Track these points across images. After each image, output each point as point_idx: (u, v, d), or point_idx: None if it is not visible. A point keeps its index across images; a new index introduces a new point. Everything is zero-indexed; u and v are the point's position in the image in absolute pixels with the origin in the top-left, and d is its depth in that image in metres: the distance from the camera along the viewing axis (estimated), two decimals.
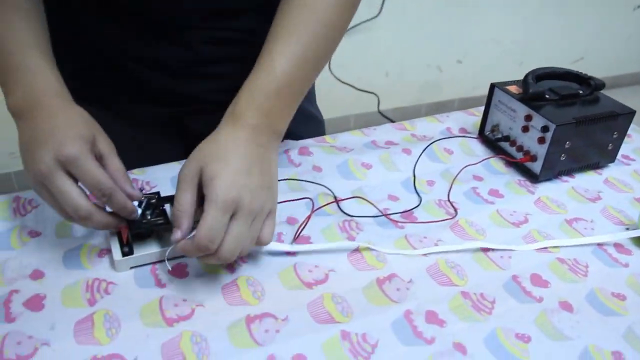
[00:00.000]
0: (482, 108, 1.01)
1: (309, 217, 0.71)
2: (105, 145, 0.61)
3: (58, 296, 0.60)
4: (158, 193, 0.67)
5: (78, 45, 0.79)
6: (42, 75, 0.63)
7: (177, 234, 0.57)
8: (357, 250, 0.69)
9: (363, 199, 0.78)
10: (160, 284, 0.62)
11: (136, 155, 0.66)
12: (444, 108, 2.87)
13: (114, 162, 0.61)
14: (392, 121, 1.04)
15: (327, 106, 1.06)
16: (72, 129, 0.59)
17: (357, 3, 0.73)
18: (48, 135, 0.58)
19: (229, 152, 0.60)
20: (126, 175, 0.62)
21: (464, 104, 2.94)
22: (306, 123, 0.98)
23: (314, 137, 1.00)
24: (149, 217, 0.64)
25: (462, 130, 1.00)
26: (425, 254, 0.69)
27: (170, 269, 0.63)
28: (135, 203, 0.63)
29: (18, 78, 0.62)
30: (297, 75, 0.67)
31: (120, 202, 0.60)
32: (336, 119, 2.69)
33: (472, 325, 0.60)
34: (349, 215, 0.75)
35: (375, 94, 2.70)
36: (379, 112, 2.72)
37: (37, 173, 0.57)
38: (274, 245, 0.66)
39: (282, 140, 0.86)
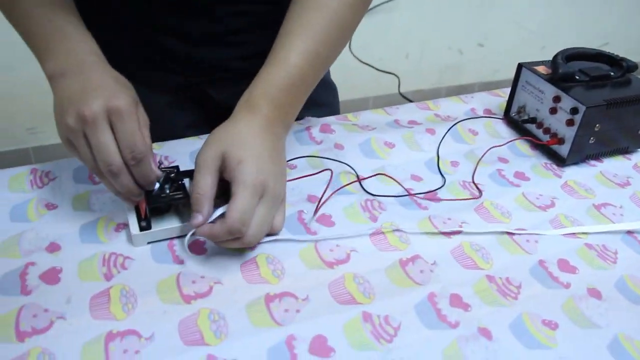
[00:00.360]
0: (507, 89, 0.98)
1: (328, 192, 0.69)
2: (142, 116, 0.60)
3: (74, 270, 0.59)
4: (177, 167, 0.66)
5: (102, 14, 0.78)
6: (84, 42, 0.63)
7: (198, 218, 0.57)
8: (379, 230, 0.67)
9: (387, 176, 0.76)
10: (177, 260, 0.61)
11: (157, 125, 0.65)
12: (465, 91, 2.81)
13: (146, 135, 0.60)
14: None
15: (347, 87, 1.05)
16: (124, 87, 0.60)
17: (369, 3, 0.73)
18: (100, 85, 0.58)
19: (249, 139, 0.60)
20: (152, 152, 0.61)
21: (485, 88, 2.89)
22: (323, 89, 0.97)
23: (330, 102, 1.01)
24: (167, 192, 0.62)
25: (487, 111, 0.98)
26: (449, 236, 0.67)
27: (187, 252, 0.61)
28: None
29: (60, 42, 0.62)
30: (308, 72, 0.68)
31: (146, 170, 0.59)
32: (355, 100, 2.66)
33: (497, 310, 0.57)
34: (372, 194, 0.73)
35: (396, 75, 2.66)
36: (400, 93, 2.68)
37: (81, 118, 0.55)
38: (285, 234, 0.65)
39: (303, 117, 0.87)
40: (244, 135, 0.61)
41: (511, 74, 0.92)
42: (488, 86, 2.91)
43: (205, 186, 0.57)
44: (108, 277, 0.58)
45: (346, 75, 0.99)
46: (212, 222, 0.58)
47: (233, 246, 0.59)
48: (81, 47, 0.62)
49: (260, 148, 0.60)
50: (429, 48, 2.73)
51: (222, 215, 0.57)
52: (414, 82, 2.76)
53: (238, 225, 0.55)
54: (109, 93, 0.56)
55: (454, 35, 2.76)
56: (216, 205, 0.58)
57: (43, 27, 0.63)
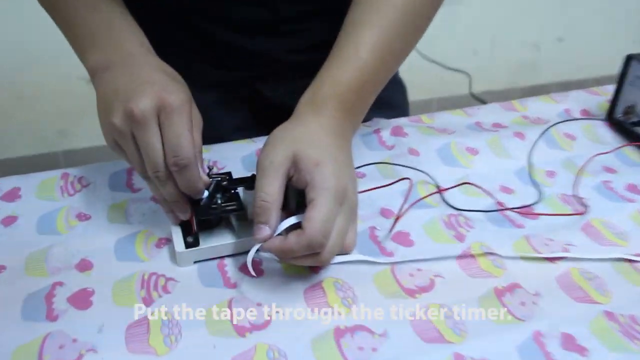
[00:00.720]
0: (608, 87, 0.93)
1: (406, 204, 0.63)
2: (196, 115, 0.59)
3: (108, 292, 0.56)
4: (229, 174, 0.63)
5: (152, 7, 0.77)
6: (132, 33, 0.63)
7: (265, 231, 0.54)
8: (468, 252, 0.63)
9: (475, 185, 0.72)
10: (229, 284, 0.58)
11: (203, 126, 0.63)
12: (542, 92, 2.74)
13: (196, 137, 0.58)
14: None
15: (407, 87, 1.01)
16: (176, 82, 0.58)
17: None
18: (150, 80, 0.56)
19: (323, 140, 0.59)
20: (201, 156, 0.59)
21: (565, 88, 2.79)
22: (392, 87, 0.95)
23: (399, 103, 0.99)
24: (219, 202, 0.59)
25: (584, 112, 0.92)
26: (554, 262, 0.62)
27: (254, 275, 0.57)
28: None
29: (106, 33, 0.62)
30: (380, 68, 0.66)
31: (192, 178, 0.56)
32: (416, 102, 2.60)
33: (625, 358, 0.51)
34: (456, 208, 0.69)
35: (467, 74, 2.60)
36: (472, 94, 2.62)
37: (128, 117, 0.54)
38: (355, 255, 0.61)
39: (371, 118, 0.85)
40: (316, 134, 0.58)
41: (597, 72, 0.87)
42: (569, 86, 2.81)
43: (272, 192, 0.54)
44: (147, 302, 0.55)
45: (406, 73, 0.96)
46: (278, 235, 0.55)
47: (305, 264, 0.56)
48: (129, 38, 0.62)
49: (335, 150, 0.58)
50: (501, 43, 2.68)
51: (289, 228, 0.55)
52: (483, 82, 2.70)
53: (320, 237, 0.52)
54: (159, 88, 0.55)
55: (529, 29, 2.69)
56: None
57: (88, 17, 0.62)
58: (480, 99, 2.65)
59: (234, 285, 0.58)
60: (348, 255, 0.60)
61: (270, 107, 0.88)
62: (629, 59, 0.84)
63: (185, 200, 0.58)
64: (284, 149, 0.56)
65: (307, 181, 0.54)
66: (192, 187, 0.57)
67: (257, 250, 0.55)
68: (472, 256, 0.62)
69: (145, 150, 0.54)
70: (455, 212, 0.69)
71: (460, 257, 0.62)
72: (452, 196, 0.71)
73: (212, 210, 0.59)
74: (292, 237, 0.53)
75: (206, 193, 0.59)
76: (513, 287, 0.58)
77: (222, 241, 0.60)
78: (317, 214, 0.52)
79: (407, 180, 0.71)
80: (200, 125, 0.59)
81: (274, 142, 0.58)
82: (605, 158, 0.80)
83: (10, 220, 0.65)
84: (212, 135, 0.79)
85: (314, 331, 0.53)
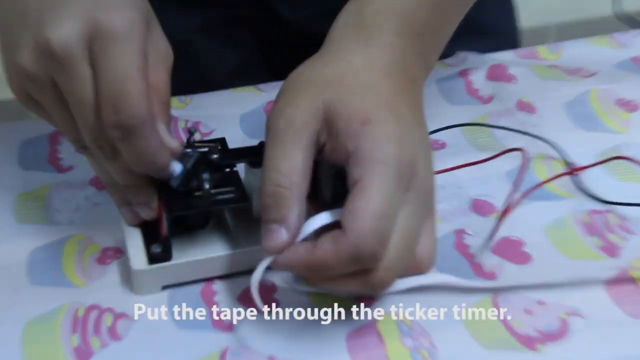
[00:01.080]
0: None
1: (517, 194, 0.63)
2: (158, 45, 0.58)
3: (15, 339, 0.57)
4: (222, 142, 0.63)
5: None
6: None
7: (280, 235, 0.53)
8: (625, 273, 0.63)
9: (635, 162, 0.73)
10: (221, 324, 0.58)
11: (181, 65, 0.65)
12: None
13: (158, 79, 0.57)
14: None
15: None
16: None
17: None
18: None
19: (376, 83, 0.58)
20: (168, 110, 0.59)
21: None
22: (490, 2, 0.97)
23: (501, 27, 1.04)
24: (205, 187, 0.58)
25: None
26: None
27: (262, 308, 0.56)
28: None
29: None
30: None
31: (146, 149, 0.55)
32: (527, 30, 2.62)
33: None
34: (602, 200, 0.70)
35: None
36: (617, 16, 2.61)
37: (45, 53, 0.53)
38: (437, 277, 0.61)
39: (455, 53, 0.87)
40: (361, 75, 0.58)
41: None
42: None
43: (292, 171, 0.53)
44: (83, 354, 0.56)
45: None
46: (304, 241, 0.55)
47: (348, 290, 0.57)
48: None
49: (395, 100, 0.57)
50: None
51: (321, 231, 0.54)
52: None
53: (372, 243, 0.50)
54: (90, 3, 0.54)
55: None
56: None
57: None
58: (633, 23, 2.65)
59: (230, 327, 0.58)
60: (421, 277, 0.59)
61: (288, 36, 0.90)
62: None
63: (150, 183, 0.58)
64: (310, 100, 0.56)
65: (350, 151, 0.54)
66: (148, 164, 0.56)
67: (268, 267, 0.54)
68: (634, 281, 0.62)
69: (75, 105, 0.54)
70: (602, 206, 0.70)
71: (612, 282, 0.62)
72: (594, 180, 0.73)
73: (194, 201, 0.59)
74: (327, 244, 0.52)
75: (179, 168, 0.58)
76: None
77: (209, 253, 0.61)
78: (368, 204, 0.51)
79: (518, 154, 0.71)
80: (169, 62, 0.59)
81: (293, 90, 0.58)
82: None
83: None
84: (196, 79, 0.82)
85: None
